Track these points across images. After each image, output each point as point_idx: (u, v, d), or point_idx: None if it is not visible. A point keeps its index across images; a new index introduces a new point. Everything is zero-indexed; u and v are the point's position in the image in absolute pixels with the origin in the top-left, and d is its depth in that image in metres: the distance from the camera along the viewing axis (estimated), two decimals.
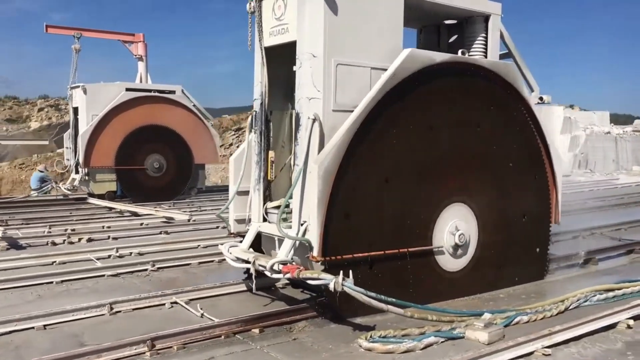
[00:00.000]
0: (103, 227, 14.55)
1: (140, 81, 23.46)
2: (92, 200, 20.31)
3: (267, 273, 6.92)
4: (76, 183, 21.59)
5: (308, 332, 6.58)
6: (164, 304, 7.47)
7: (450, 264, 8.17)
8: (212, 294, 7.93)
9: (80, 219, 16.07)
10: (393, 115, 7.27)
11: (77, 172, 21.56)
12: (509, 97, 8.65)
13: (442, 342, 6.24)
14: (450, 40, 9.57)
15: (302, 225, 6.91)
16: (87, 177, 21.16)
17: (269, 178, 7.92)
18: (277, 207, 7.64)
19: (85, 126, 20.84)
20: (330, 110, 6.99)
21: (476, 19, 8.85)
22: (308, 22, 7.03)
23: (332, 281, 6.07)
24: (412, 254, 7.61)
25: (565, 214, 17.89)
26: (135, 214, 17.08)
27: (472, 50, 8.91)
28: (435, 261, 8.00)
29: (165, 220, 15.59)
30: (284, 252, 6.96)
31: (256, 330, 6.43)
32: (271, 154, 7.89)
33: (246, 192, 8.14)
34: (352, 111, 7.00)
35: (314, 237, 6.69)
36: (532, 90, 9.95)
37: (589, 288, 8.41)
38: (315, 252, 6.68)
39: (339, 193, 6.84)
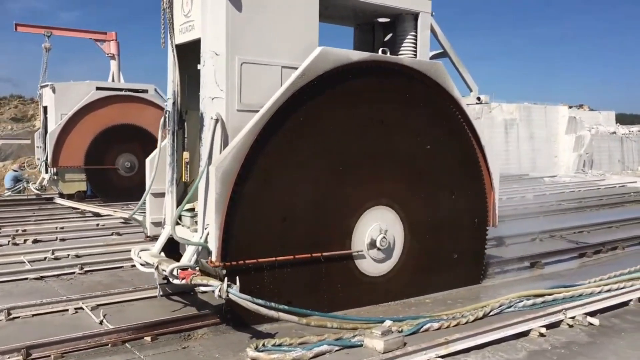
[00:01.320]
0: (57, 227, 14.37)
1: (113, 80, 23.26)
2: (58, 200, 20.12)
3: (170, 278, 6.72)
4: (45, 183, 21.43)
5: (205, 340, 6.36)
6: (67, 310, 7.26)
7: (372, 268, 7.95)
8: (123, 299, 7.72)
9: (38, 220, 15.90)
10: (304, 115, 7.04)
11: (47, 171, 21.39)
12: (438, 97, 8.42)
13: (336, 350, 6.03)
14: (386, 38, 9.35)
15: (205, 229, 6.71)
16: (55, 177, 21.01)
17: (184, 180, 7.71)
18: (191, 210, 7.45)
19: (54, 125, 20.66)
20: (235, 110, 6.78)
21: (405, 17, 8.63)
22: (210, 19, 6.82)
23: (217, 288, 5.85)
24: (327, 258, 7.40)
25: (533, 216, 17.88)
26: (97, 215, 16.90)
27: (402, 49, 8.70)
28: (355, 265, 7.78)
29: (123, 220, 15.38)
30: (187, 256, 6.76)
31: (148, 339, 6.22)
32: (186, 155, 7.68)
33: (163, 194, 7.93)
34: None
35: (212, 241, 6.47)
36: (470, 90, 9.76)
37: (517, 293, 8.19)
38: (214, 257, 6.46)
39: (242, 196, 6.63)
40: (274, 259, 6.88)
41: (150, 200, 8.02)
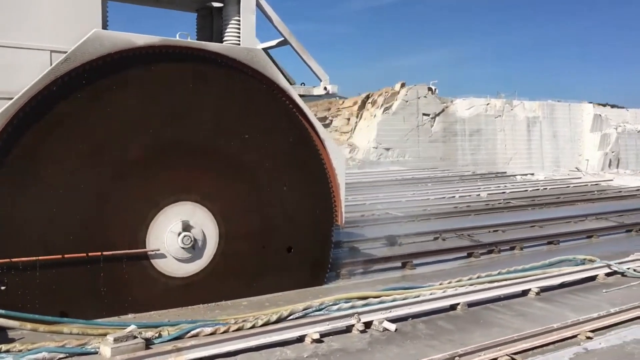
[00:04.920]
0: None
1: None
2: None
3: None
4: None
5: None
6: None
7: (175, 268, 7.43)
8: None
9: None
10: (72, 104, 6.54)
11: None
12: (258, 85, 7.88)
13: (61, 357, 5.53)
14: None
15: None
16: None
17: None
18: None
19: None
20: None
21: (230, 1, 8.10)
22: None
23: None
24: (110, 257, 6.89)
25: (462, 214, 17.21)
26: None
27: (226, 34, 8.18)
28: (151, 265, 7.27)
29: None
30: None
31: None
32: None
33: None
34: None
35: None
36: (319, 80, 9.20)
37: (336, 296, 7.63)
38: None
39: None
40: (35, 258, 6.40)
41: None
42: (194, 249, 7.49)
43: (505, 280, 8.76)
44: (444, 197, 22.20)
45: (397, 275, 9.85)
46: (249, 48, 7.88)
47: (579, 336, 6.34)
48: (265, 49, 9.47)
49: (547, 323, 6.81)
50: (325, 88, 9.00)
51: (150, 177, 7.13)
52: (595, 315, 6.77)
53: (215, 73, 7.50)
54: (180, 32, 7.45)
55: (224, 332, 6.42)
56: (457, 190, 24.83)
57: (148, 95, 7.02)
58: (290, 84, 9.42)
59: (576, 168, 44.67)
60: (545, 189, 26.71)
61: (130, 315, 7.02)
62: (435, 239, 12.83)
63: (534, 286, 8.39)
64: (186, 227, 7.38)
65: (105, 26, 7.19)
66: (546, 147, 44.50)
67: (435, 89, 44.40)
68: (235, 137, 7.73)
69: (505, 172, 36.31)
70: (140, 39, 6.95)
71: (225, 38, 8.15)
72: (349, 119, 44.31)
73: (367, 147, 40.07)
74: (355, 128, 43.33)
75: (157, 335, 6.06)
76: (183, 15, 9.22)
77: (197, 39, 8.86)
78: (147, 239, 7.20)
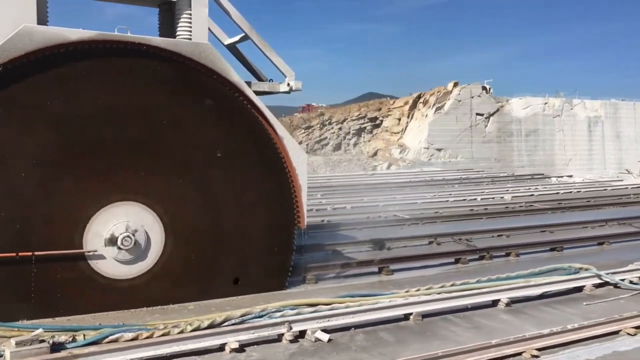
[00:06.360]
0: None
1: None
2: None
3: None
4: None
5: None
6: None
7: (116, 270, 7.21)
8: None
9: None
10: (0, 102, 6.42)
11: None
12: (205, 81, 7.57)
13: None
14: None
15: None
16: None
17: None
18: None
19: None
20: None
21: None
22: None
23: None
24: (42, 257, 6.73)
25: (472, 218, 16.43)
26: None
27: (178, 29, 7.93)
28: (89, 267, 7.06)
29: None
30: None
31: None
32: None
33: None
34: None
35: None
36: (284, 76, 8.84)
37: (282, 302, 7.27)
38: None
39: None
40: None
41: None
42: (136, 250, 7.25)
43: (482, 289, 8.18)
44: (464, 199, 21.43)
45: (370, 281, 9.34)
46: (197, 42, 7.59)
47: (524, 354, 5.75)
48: (233, 44, 9.22)
49: (501, 337, 6.24)
50: (288, 84, 8.62)
51: (87, 176, 6.93)
52: (546, 331, 6.14)
53: (158, 68, 7.25)
54: (119, 26, 7.24)
55: (147, 337, 6.15)
56: (483, 192, 23.96)
57: (83, 91, 6.82)
58: (261, 80, 9.15)
59: (626, 170, 42.57)
60: (579, 192, 25.39)
61: (64, 318, 6.86)
62: (430, 243, 12.23)
63: (504, 296, 7.78)
64: (129, 227, 7.16)
65: (44, 22, 7.05)
66: (609, 148, 42.69)
67: (489, 88, 43.07)
68: (181, 135, 7.46)
69: (542, 174, 34.92)
70: (75, 34, 6.77)
71: (177, 32, 7.90)
72: (399, 119, 43.61)
73: (418, 148, 39.33)
74: (406, 128, 42.62)
75: (70, 339, 5.84)
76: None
77: (160, 35, 8.66)
78: (84, 239, 7.01)
